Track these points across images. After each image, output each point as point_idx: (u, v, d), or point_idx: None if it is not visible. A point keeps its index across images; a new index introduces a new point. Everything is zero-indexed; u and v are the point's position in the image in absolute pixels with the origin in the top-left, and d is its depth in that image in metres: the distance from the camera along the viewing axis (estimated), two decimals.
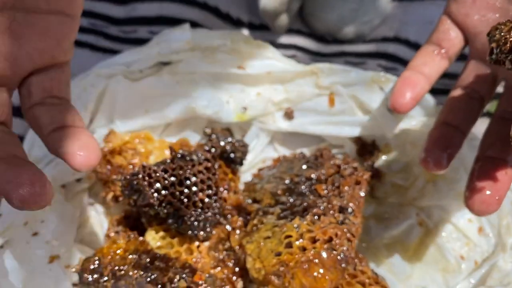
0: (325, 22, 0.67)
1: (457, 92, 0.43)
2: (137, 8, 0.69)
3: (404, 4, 0.71)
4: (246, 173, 0.51)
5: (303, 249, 0.37)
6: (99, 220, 0.46)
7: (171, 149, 0.40)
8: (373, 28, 0.69)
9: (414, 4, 0.70)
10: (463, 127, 0.41)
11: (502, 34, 0.33)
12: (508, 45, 0.32)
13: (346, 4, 0.67)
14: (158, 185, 0.38)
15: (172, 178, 0.39)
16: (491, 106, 0.65)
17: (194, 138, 0.50)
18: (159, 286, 0.35)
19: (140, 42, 0.65)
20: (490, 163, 0.38)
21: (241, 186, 0.48)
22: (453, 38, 0.44)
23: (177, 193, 0.39)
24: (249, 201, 0.45)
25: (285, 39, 0.68)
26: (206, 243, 0.41)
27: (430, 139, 0.41)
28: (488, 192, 0.36)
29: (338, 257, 0.36)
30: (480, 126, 0.56)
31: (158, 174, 0.38)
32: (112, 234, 0.42)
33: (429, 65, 0.43)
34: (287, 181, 0.46)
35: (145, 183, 0.37)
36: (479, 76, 0.42)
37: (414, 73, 0.43)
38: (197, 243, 0.41)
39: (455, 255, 0.45)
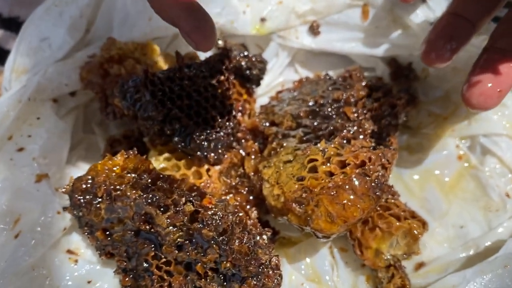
0: None
1: None
2: None
3: None
4: (262, 97, 0.45)
5: (331, 174, 0.32)
6: (95, 141, 0.40)
7: (178, 55, 0.34)
8: None
9: None
10: (474, 19, 0.35)
11: None
12: None
13: None
14: (160, 94, 0.32)
15: (178, 89, 0.33)
16: None
17: (204, 54, 0.43)
18: (161, 209, 0.30)
19: None
20: (497, 54, 0.33)
21: (257, 110, 0.42)
22: None
23: (185, 106, 0.33)
24: (267, 124, 0.39)
25: None
26: (217, 167, 0.36)
27: (434, 29, 0.35)
28: (489, 85, 0.33)
29: (372, 184, 0.31)
30: None
31: (163, 82, 0.32)
32: (107, 156, 0.36)
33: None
34: (310, 103, 0.40)
35: (147, 91, 0.32)
36: None
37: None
38: (206, 166, 0.35)
39: (499, 192, 0.40)
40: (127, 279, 0.32)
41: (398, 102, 0.39)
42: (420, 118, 0.44)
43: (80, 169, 0.38)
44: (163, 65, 0.40)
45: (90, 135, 0.41)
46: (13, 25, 0.54)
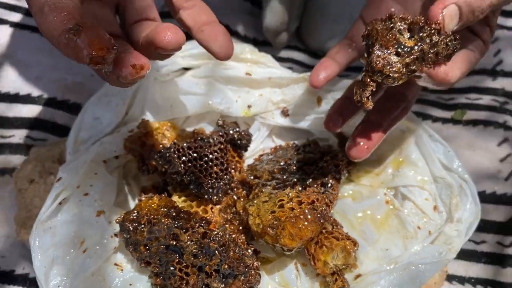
0: (318, 40, 0.80)
1: (359, 77, 0.55)
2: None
3: None
4: (249, 159, 0.63)
5: (292, 209, 0.49)
6: (130, 189, 0.58)
7: (194, 132, 0.52)
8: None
9: None
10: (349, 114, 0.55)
11: (373, 22, 0.44)
12: (367, 30, 0.42)
13: (337, 25, 0.80)
14: (184, 158, 0.50)
15: (195, 154, 0.51)
16: (455, 114, 0.78)
17: (208, 129, 0.62)
18: (183, 230, 0.46)
19: None
20: (369, 125, 0.52)
21: (245, 168, 0.60)
22: (360, 36, 0.56)
23: (198, 165, 0.51)
24: (251, 177, 0.57)
25: (284, 54, 0.80)
26: (218, 206, 0.53)
27: (333, 107, 0.55)
28: (361, 143, 0.52)
29: (318, 215, 0.48)
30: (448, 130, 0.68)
31: (185, 150, 0.50)
32: (143, 199, 0.53)
33: (341, 53, 0.56)
34: (282, 163, 0.58)
35: (175, 156, 0.49)
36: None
37: (328, 60, 0.56)
38: (211, 205, 0.52)
39: (413, 226, 0.57)
40: (158, 280, 0.48)
41: (341, 162, 0.57)
42: (360, 174, 0.62)
43: (123, 208, 0.55)
44: (180, 137, 0.58)
45: (127, 185, 0.58)
46: (65, 106, 0.71)
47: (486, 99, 0.77)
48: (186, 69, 0.62)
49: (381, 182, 0.60)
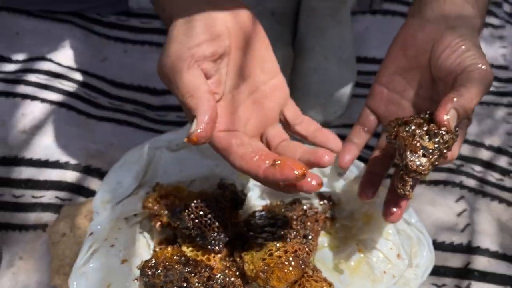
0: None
1: (376, 153, 0.69)
2: (168, 99, 0.96)
3: (359, 100, 0.98)
4: (244, 214, 0.75)
5: (279, 256, 0.61)
6: (147, 242, 0.69)
7: (200, 193, 0.65)
8: (337, 117, 0.96)
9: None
10: (380, 174, 0.67)
11: (392, 125, 0.58)
12: (393, 135, 0.57)
13: (317, 100, 0.94)
14: (192, 216, 0.63)
15: (201, 212, 0.63)
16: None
17: (211, 189, 0.75)
18: (192, 274, 0.58)
19: (171, 123, 0.92)
20: (396, 195, 0.63)
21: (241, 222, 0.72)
22: (371, 120, 0.69)
23: (203, 221, 0.63)
24: (246, 231, 0.69)
25: None
26: (219, 255, 0.65)
27: (362, 181, 0.67)
28: (395, 210, 0.62)
29: (300, 261, 0.60)
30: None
31: (193, 209, 0.63)
32: (157, 249, 0.65)
33: (358, 137, 0.70)
34: (271, 219, 0.70)
35: (185, 214, 0.62)
36: (386, 144, 0.68)
37: (350, 143, 0.69)
38: (213, 254, 0.64)
39: (380, 271, 0.69)
40: None
41: (320, 218, 0.70)
42: (336, 228, 0.74)
43: (142, 256, 0.67)
44: (187, 198, 0.71)
45: (145, 238, 0.70)
46: (87, 171, 0.84)
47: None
48: None
49: (354, 234, 0.72)
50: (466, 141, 0.93)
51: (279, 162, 0.47)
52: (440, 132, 0.54)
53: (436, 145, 0.54)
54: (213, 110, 0.47)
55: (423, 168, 0.53)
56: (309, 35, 0.95)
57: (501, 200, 0.86)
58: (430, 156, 0.53)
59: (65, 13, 1.02)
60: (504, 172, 0.91)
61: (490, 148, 0.93)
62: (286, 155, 0.53)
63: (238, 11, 0.53)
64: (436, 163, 0.54)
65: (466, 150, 0.92)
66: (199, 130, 0.46)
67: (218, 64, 0.51)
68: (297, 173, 0.45)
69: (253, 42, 0.55)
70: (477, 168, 0.90)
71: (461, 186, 0.87)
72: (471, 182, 0.88)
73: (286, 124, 0.61)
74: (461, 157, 0.91)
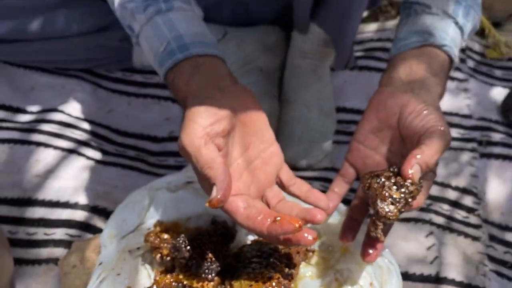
0: (286, 157, 1.05)
1: (355, 201, 0.79)
2: (167, 145, 1.07)
3: (339, 146, 1.09)
4: (235, 247, 0.84)
5: (264, 283, 0.70)
6: (148, 271, 0.78)
7: (195, 228, 0.75)
8: (319, 162, 1.07)
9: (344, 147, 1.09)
10: (359, 219, 0.77)
11: (366, 177, 0.68)
12: (366, 186, 0.67)
13: (301, 145, 1.05)
14: (188, 247, 0.72)
15: (196, 244, 0.73)
16: None
17: (205, 225, 0.84)
18: None
19: (169, 167, 1.02)
20: (371, 238, 0.72)
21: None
22: (350, 173, 0.80)
23: (198, 253, 0.73)
24: (236, 261, 0.78)
25: None
26: (212, 283, 0.74)
27: (343, 227, 0.77)
28: (371, 252, 0.70)
29: (282, 287, 0.69)
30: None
31: (189, 242, 0.72)
32: (157, 278, 0.74)
33: (339, 187, 0.80)
34: (258, 252, 0.80)
35: (183, 246, 0.71)
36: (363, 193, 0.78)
37: (332, 193, 0.79)
38: (206, 282, 0.73)
39: None
40: None
41: (301, 250, 0.79)
42: (316, 259, 0.83)
43: (144, 284, 0.75)
44: (184, 233, 0.80)
45: (146, 268, 0.79)
46: (95, 210, 0.93)
47: None
48: (189, 182, 0.85)
49: (332, 265, 0.81)
50: (435, 183, 1.04)
51: (279, 218, 0.56)
52: (406, 184, 0.64)
53: (402, 195, 0.63)
54: (229, 178, 0.57)
55: (391, 214, 0.63)
56: (293, 89, 1.08)
57: (467, 235, 0.96)
58: (397, 204, 0.63)
59: (76, 69, 1.14)
60: (469, 210, 1.01)
61: (456, 188, 1.04)
62: (284, 213, 0.61)
63: (242, 95, 0.65)
64: (403, 210, 0.63)
65: (435, 190, 1.03)
66: (219, 196, 0.56)
67: (226, 138, 0.60)
68: (296, 226, 0.55)
69: (253, 118, 0.64)
70: (445, 206, 1.01)
71: (431, 223, 0.97)
72: (439, 219, 0.98)
73: (281, 186, 0.70)
74: (430, 197, 1.02)
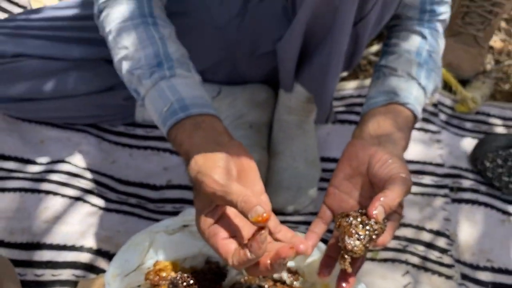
0: (274, 202, 1.14)
1: (332, 240, 0.88)
2: (165, 193, 1.17)
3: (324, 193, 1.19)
4: (226, 286, 0.92)
5: None
6: None
7: (193, 269, 0.83)
8: (305, 207, 1.17)
9: None
10: (335, 256, 0.85)
11: (338, 217, 0.78)
12: (337, 224, 0.77)
13: (289, 192, 1.15)
14: (185, 283, 0.80)
15: (191, 281, 0.81)
16: (372, 254, 1.10)
17: (199, 265, 0.92)
18: None
19: (167, 213, 1.11)
20: (345, 273, 0.81)
21: None
22: (327, 215, 0.88)
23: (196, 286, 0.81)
24: None
25: None
26: None
27: (321, 263, 0.86)
28: (344, 285, 0.78)
29: None
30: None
31: (186, 279, 0.81)
32: None
33: (318, 227, 0.89)
34: None
35: (180, 282, 0.80)
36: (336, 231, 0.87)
37: (311, 233, 0.88)
38: None
39: None
40: None
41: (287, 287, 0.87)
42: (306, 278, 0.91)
43: None
44: (181, 271, 0.88)
45: None
46: (99, 253, 1.01)
47: (393, 243, 1.10)
48: (185, 226, 0.95)
49: (326, 284, 0.90)
50: (410, 225, 1.13)
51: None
52: (370, 222, 0.73)
53: (367, 232, 0.73)
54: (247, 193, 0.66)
55: (357, 249, 0.72)
56: (280, 141, 1.19)
57: (440, 274, 1.05)
58: (363, 240, 0.72)
59: (82, 124, 1.25)
60: (442, 251, 1.10)
61: (430, 231, 1.13)
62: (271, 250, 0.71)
63: (237, 150, 0.75)
64: (368, 245, 0.73)
65: (410, 233, 1.12)
66: (264, 214, 0.64)
67: None
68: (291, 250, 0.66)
69: (247, 170, 0.72)
70: (420, 247, 1.10)
71: (407, 263, 1.06)
72: (415, 260, 1.07)
73: (269, 232, 0.78)
74: (406, 239, 1.11)
